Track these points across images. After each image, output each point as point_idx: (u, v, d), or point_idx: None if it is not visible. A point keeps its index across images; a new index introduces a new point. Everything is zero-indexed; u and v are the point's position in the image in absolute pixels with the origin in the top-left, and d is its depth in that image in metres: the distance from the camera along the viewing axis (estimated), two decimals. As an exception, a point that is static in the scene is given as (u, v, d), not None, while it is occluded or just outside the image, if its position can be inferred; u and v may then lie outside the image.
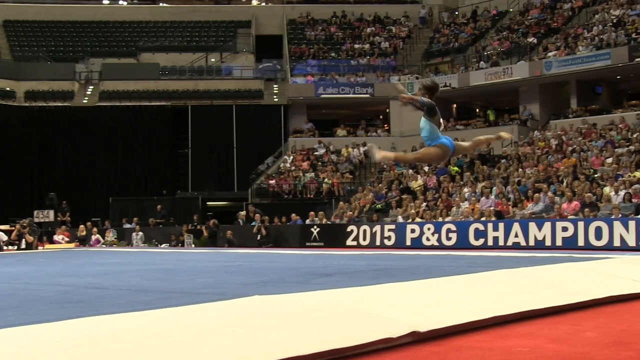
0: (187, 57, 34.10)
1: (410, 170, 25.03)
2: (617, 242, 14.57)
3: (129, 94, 31.38)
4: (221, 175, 31.09)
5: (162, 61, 33.38)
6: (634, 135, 21.88)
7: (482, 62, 30.06)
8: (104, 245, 22.75)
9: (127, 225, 24.90)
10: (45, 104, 30.76)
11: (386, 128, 32.35)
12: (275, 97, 32.20)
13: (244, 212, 23.82)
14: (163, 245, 22.31)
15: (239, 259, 11.12)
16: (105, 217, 26.24)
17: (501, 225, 16.56)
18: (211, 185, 30.34)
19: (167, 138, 31.04)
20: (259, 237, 20.90)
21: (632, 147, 20.69)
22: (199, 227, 23.66)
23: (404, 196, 22.06)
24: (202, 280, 6.42)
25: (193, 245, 21.60)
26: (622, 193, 16.91)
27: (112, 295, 5.06)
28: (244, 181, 29.37)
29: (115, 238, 23.52)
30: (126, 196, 28.54)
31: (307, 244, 20.04)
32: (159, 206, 26.12)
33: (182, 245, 21.78)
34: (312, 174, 27.48)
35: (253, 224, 21.97)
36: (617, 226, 14.70)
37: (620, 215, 15.52)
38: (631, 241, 14.40)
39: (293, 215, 22.22)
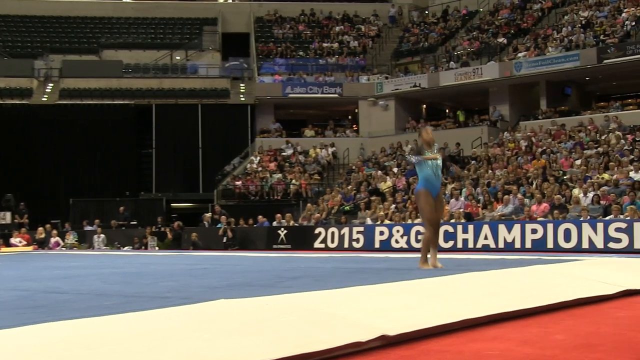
0: (151, 54, 33.82)
1: (379, 172, 25.15)
2: (585, 244, 14.82)
3: (91, 92, 31.01)
4: (186, 176, 30.87)
5: (125, 58, 33.04)
6: (603, 137, 22.29)
7: (452, 62, 30.34)
8: (63, 248, 22.43)
9: (88, 228, 24.59)
10: (1, 102, 30.22)
11: (355, 128, 32.46)
12: (242, 96, 32.09)
13: (210, 213, 23.70)
14: (126, 248, 22.09)
15: (204, 261, 11.06)
16: (66, 219, 25.88)
17: (470, 228, 16.72)
18: (176, 187, 30.12)
19: (130, 138, 30.72)
20: (224, 240, 20.82)
21: (600, 149, 21.08)
22: (163, 229, 23.50)
23: (372, 198, 22.15)
24: (166, 283, 6.37)
25: (157, 248, 21.45)
26: (590, 195, 17.21)
27: (72, 300, 5.00)
28: (210, 182, 29.22)
29: (75, 241, 23.22)
30: (87, 197, 28.20)
31: (274, 246, 20.01)
32: (121, 208, 25.83)
33: (146, 248, 21.60)
34: (280, 175, 27.45)
35: (219, 226, 21.87)
36: (586, 228, 14.95)
37: (588, 217, 15.78)
38: (599, 243, 14.65)
39: (260, 217, 22.18)
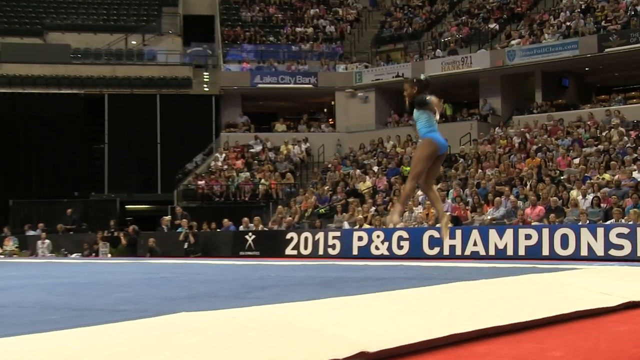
0: (103, 38, 33.53)
1: (358, 171, 25.21)
2: (584, 251, 14.98)
3: (34, 79, 30.66)
4: (142, 174, 30.69)
5: (73, 42, 32.72)
6: (603, 134, 22.57)
7: (438, 50, 30.51)
8: (2, 256, 22.18)
9: (31, 232, 24.34)
10: None
11: (331, 122, 32.50)
12: (205, 86, 31.97)
13: (169, 216, 23.60)
14: (74, 255, 21.92)
15: (162, 270, 10.99)
16: (4, 223, 25.57)
17: (458, 233, 16.82)
18: (131, 186, 29.93)
19: (79, 132, 30.47)
20: (186, 246, 20.75)
21: (601, 147, 21.33)
22: (116, 234, 23.36)
23: (350, 199, 22.19)
24: (119, 295, 6.33)
25: (109, 255, 21.33)
26: (590, 197, 17.41)
27: (12, 315, 4.94)
28: (169, 182, 29.08)
29: (16, 247, 22.98)
30: (30, 198, 27.88)
31: (241, 253, 20.00)
32: (69, 210, 25.60)
33: (97, 255, 21.46)
34: (247, 174, 27.39)
35: (179, 230, 21.78)
36: (585, 233, 15.12)
37: (587, 222, 15.97)
38: (599, 250, 14.82)
39: (225, 220, 22.13)
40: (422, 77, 7.93)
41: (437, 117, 7.70)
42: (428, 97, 7.62)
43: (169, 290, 6.76)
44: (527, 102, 28.65)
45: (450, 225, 7.70)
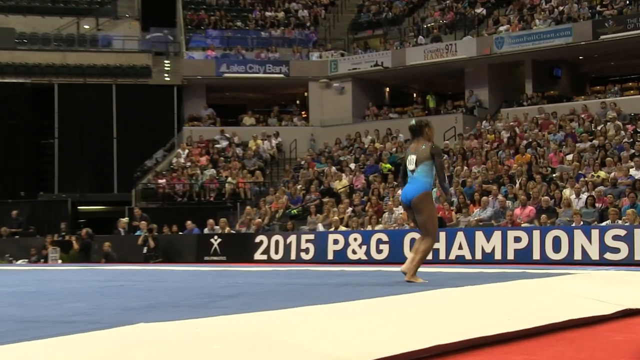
0: (52, 21, 33.22)
1: (333, 168, 25.25)
2: (577, 255, 15.11)
3: (-25, 67, 30.37)
4: (97, 172, 30.49)
5: (18, 26, 32.38)
6: (598, 128, 22.79)
7: (420, 37, 30.61)
8: (-58, 262, 21.92)
9: (-27, 236, 24.07)
10: None
11: (304, 116, 32.51)
12: (166, 75, 31.83)
13: (126, 218, 23.47)
14: (20, 262, 21.74)
15: (119, 277, 10.93)
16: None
17: (442, 235, 16.87)
18: (84, 186, 29.71)
19: (25, 125, 30.20)
20: (145, 251, 20.66)
21: (596, 142, 21.53)
22: (67, 238, 23.19)
23: (325, 199, 22.20)
24: (71, 305, 6.28)
25: (60, 261, 21.18)
26: (584, 196, 17.57)
27: (-48, 326, 4.87)
28: (127, 180, 28.92)
29: (-44, 253, 22.70)
30: (-29, 199, 27.59)
31: (206, 258, 19.96)
32: (14, 212, 25.33)
33: (46, 262, 21.29)
34: (213, 172, 27.31)
35: (138, 233, 21.68)
36: (578, 236, 15.24)
37: (581, 223, 16.11)
38: (594, 254, 14.95)
39: (188, 222, 22.05)
40: (411, 123, 8.45)
41: (410, 166, 8.22)
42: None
43: (126, 300, 6.72)
44: (516, 94, 28.84)
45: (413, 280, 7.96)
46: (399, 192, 19.81)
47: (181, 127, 30.77)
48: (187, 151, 28.90)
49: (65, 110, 30.22)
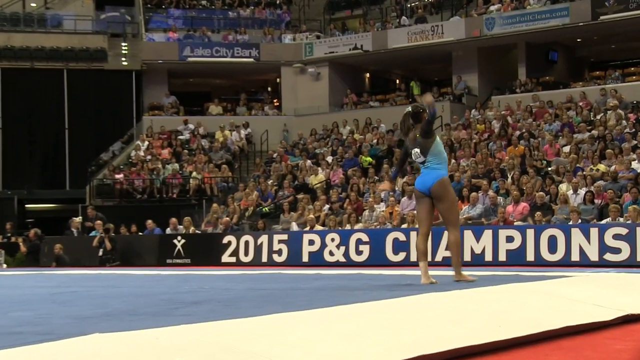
0: (-5, -1, 32.98)
1: (309, 162, 25.24)
2: (575, 256, 15.20)
3: None
4: (47, 167, 30.31)
5: (-45, 4, 32.11)
6: (598, 117, 22.93)
7: (404, 18, 30.67)
8: None
9: None
10: None
11: (276, 104, 32.49)
12: (123, 59, 31.65)
13: (80, 218, 23.34)
14: (-39, 266, 21.55)
15: (72, 283, 10.88)
16: None
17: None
18: (32, 181, 29.52)
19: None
20: (101, 253, 20.58)
21: (595, 132, 21.68)
22: (13, 239, 23.01)
23: (299, 196, 22.20)
24: (18, 314, 6.23)
25: (5, 265, 21.10)
26: (582, 192, 17.68)
27: None
28: (80, 176, 28.76)
29: None
30: None
31: (169, 261, 19.93)
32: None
33: (-10, 266, 21.14)
34: (176, 166, 27.22)
35: (93, 234, 21.57)
36: (576, 235, 15.34)
37: (579, 221, 16.21)
38: (593, 254, 15.05)
39: (149, 222, 21.98)
40: (408, 108, 8.54)
41: (419, 159, 8.39)
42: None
43: (79, 308, 6.68)
44: (508, 80, 28.97)
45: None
46: (381, 186, 19.88)
47: (140, 117, 30.63)
48: (147, 143, 28.76)
49: (11, 98, 29.99)
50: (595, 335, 4.72)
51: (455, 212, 8.64)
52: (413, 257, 16.83)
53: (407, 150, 8.49)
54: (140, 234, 22.20)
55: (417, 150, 8.27)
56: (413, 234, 17.11)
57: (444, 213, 8.53)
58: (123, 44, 32.23)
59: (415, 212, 18.54)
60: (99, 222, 21.68)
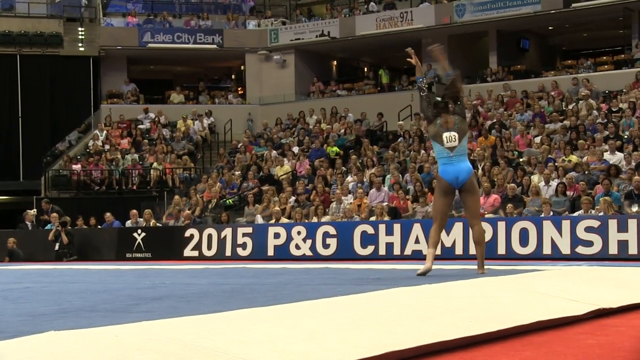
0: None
1: (274, 152, 25.22)
2: (547, 249, 15.36)
3: None
4: None
5: None
6: (570, 107, 23.12)
7: (372, 4, 30.70)
8: None
9: None
10: None
11: (240, 92, 32.41)
12: (80, 45, 31.41)
13: (34, 210, 23.16)
14: None
15: (26, 278, 10.79)
16: None
17: (397, 227, 17.01)
18: (-16, 172, 29.29)
19: None
20: (57, 247, 20.45)
21: (567, 122, 21.86)
22: (-35, 233, 22.82)
23: (264, 187, 22.18)
24: (-31, 311, 6.17)
25: (-44, 260, 20.80)
26: (554, 183, 17.83)
27: None
28: (35, 166, 28.53)
29: None
30: None
31: (128, 255, 19.89)
32: None
33: (-60, 261, 20.91)
34: (136, 157, 27.08)
35: (48, 227, 21.41)
36: (548, 227, 15.48)
37: (551, 213, 16.35)
38: (565, 248, 15.21)
39: (108, 214, 21.89)
40: (438, 98, 8.61)
41: (450, 143, 8.30)
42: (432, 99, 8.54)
43: (33, 304, 6.63)
44: (479, 68, 29.12)
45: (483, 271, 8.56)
46: (348, 179, 19.83)
47: (98, 105, 30.44)
48: (105, 132, 28.59)
49: (-39, 85, 29.70)
50: (567, 330, 4.76)
51: (480, 204, 8.83)
52: (382, 251, 16.92)
53: (438, 133, 8.39)
54: (99, 227, 22.09)
55: (453, 134, 8.29)
56: (382, 227, 17.18)
57: (473, 206, 8.56)
58: (80, 28, 31.96)
59: (383, 203, 18.64)
60: (54, 214, 21.54)
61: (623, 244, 14.86)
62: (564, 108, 23.29)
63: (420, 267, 8.63)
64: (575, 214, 16.40)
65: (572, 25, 28.71)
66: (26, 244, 21.12)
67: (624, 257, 14.58)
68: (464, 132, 8.37)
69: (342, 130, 26.00)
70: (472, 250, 15.94)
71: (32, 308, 6.23)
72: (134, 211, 21.60)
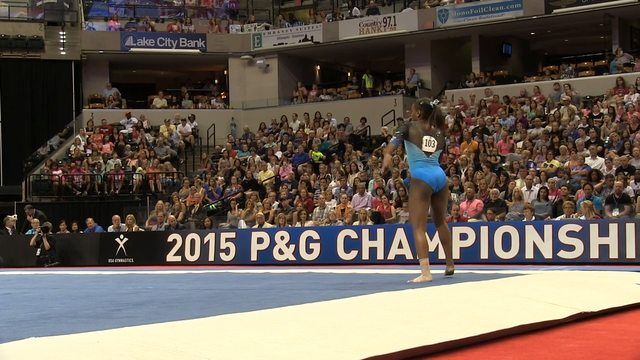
0: None
1: (257, 157, 25.22)
2: (529, 254, 15.41)
3: None
4: (-20, 162, 29.89)
5: None
6: (552, 112, 23.24)
7: (355, 9, 30.76)
8: None
9: None
10: None
11: (223, 97, 32.39)
12: (62, 49, 31.32)
13: (15, 215, 23.05)
14: None
15: (6, 284, 10.73)
16: None
17: (380, 232, 17.02)
18: (-36, 177, 29.13)
19: None
20: (38, 253, 20.35)
21: (549, 127, 21.97)
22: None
23: (248, 192, 22.17)
24: (-50, 317, 6.14)
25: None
26: (536, 188, 17.91)
27: None
28: (15, 171, 28.44)
29: None
30: None
31: (110, 260, 19.84)
32: None
33: None
34: (118, 161, 27.00)
35: (30, 232, 21.31)
36: (530, 232, 15.54)
37: (533, 218, 16.42)
38: (547, 252, 15.27)
39: (89, 220, 21.83)
40: (432, 102, 8.55)
41: (428, 147, 8.39)
42: (403, 126, 8.61)
43: (13, 310, 6.60)
44: (462, 73, 29.22)
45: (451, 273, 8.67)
46: (332, 184, 19.86)
47: (80, 110, 30.33)
48: (87, 137, 28.49)
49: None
50: (549, 334, 4.79)
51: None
52: (365, 256, 16.93)
53: (419, 134, 8.38)
54: (81, 232, 22.00)
55: (433, 139, 8.37)
56: (366, 232, 17.20)
57: (443, 208, 8.92)
58: (61, 32, 31.87)
59: (367, 208, 18.67)
60: (36, 220, 21.44)
61: (604, 248, 14.95)
62: (545, 113, 23.40)
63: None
64: (557, 218, 16.47)
65: (554, 30, 28.86)
66: (7, 250, 21.04)
67: (605, 261, 14.65)
68: (441, 146, 8.46)
69: (326, 135, 26.02)
70: (456, 254, 15.98)
71: (12, 314, 6.19)
72: (116, 216, 21.54)
